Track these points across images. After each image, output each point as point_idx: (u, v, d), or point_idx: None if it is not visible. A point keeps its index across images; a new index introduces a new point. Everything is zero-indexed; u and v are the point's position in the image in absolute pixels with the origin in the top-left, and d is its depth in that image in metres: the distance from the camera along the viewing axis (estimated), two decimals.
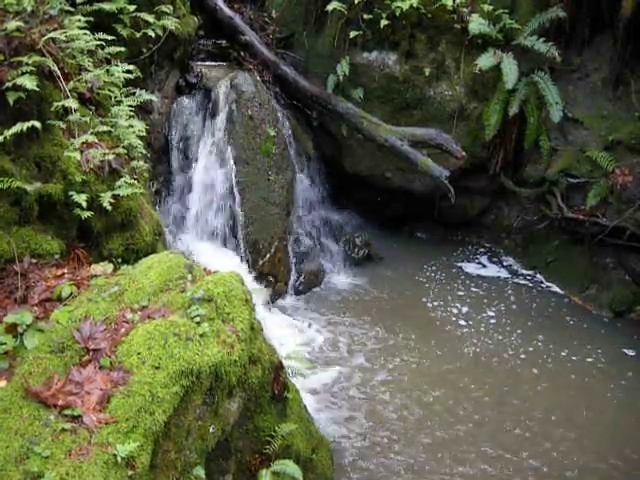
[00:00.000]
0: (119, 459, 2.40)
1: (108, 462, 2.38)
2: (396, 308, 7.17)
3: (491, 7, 7.35)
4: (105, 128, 3.96)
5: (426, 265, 8.15)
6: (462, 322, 6.93)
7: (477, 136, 7.88)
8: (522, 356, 6.38)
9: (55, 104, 3.60)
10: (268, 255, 7.12)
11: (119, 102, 4.48)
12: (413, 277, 7.87)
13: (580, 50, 7.73)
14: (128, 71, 4.56)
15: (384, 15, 7.31)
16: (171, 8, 6.19)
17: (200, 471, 2.85)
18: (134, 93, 4.69)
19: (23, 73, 3.34)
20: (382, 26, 7.28)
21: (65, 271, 3.29)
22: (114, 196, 3.74)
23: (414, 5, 7.16)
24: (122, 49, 4.81)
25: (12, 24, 3.44)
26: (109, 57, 4.69)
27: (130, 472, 2.42)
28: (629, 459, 5.10)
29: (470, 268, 8.17)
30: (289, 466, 3.47)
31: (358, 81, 7.80)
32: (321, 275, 7.66)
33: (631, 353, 6.53)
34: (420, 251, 8.53)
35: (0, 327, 2.84)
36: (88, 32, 4.14)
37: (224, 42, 8.22)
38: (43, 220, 3.49)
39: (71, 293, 3.09)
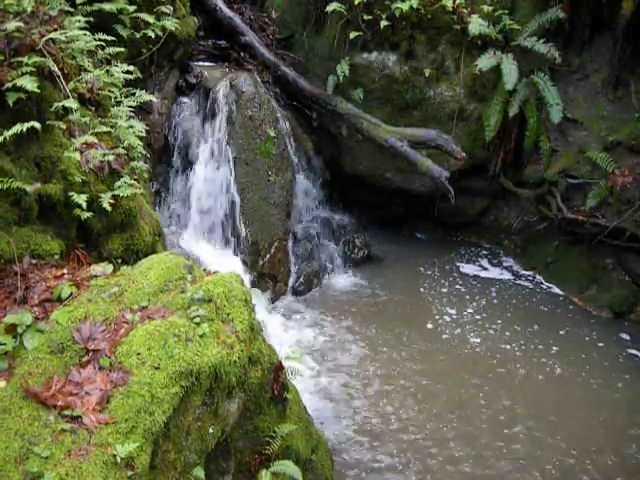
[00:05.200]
0: (119, 460, 2.40)
1: (107, 463, 2.38)
2: (396, 309, 7.17)
3: (491, 8, 7.36)
4: (105, 128, 3.95)
5: (425, 266, 8.15)
6: (461, 323, 6.94)
7: (477, 137, 7.88)
8: (521, 356, 6.38)
9: (55, 104, 3.59)
10: (268, 256, 7.12)
11: (119, 102, 4.47)
12: (412, 278, 7.87)
13: (580, 51, 7.74)
14: (128, 72, 4.55)
15: (384, 16, 7.31)
16: (171, 9, 6.20)
17: (200, 472, 2.84)
18: (134, 94, 4.69)
19: (23, 74, 3.33)
20: (382, 27, 7.29)
21: (65, 271, 3.29)
22: (114, 196, 3.74)
23: (414, 6, 7.15)
24: (122, 50, 4.80)
25: (12, 24, 3.43)
26: (109, 58, 4.69)
27: (129, 473, 2.42)
28: (627, 458, 5.11)
29: (469, 269, 8.18)
30: (289, 466, 3.46)
31: (358, 82, 7.80)
32: (321, 276, 7.66)
33: (631, 353, 6.54)
34: (420, 252, 8.53)
35: (0, 327, 2.84)
36: (88, 33, 4.14)
37: (224, 43, 8.23)
38: (43, 220, 3.49)
39: (71, 293, 3.09)
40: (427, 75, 7.58)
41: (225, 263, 6.51)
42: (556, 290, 7.73)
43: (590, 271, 7.55)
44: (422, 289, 7.62)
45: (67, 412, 2.50)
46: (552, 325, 6.98)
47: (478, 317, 7.07)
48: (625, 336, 6.83)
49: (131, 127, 4.27)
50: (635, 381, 6.07)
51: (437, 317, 7.02)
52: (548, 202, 7.89)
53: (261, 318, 3.73)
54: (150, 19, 5.76)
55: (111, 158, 3.84)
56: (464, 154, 7.31)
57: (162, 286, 3.11)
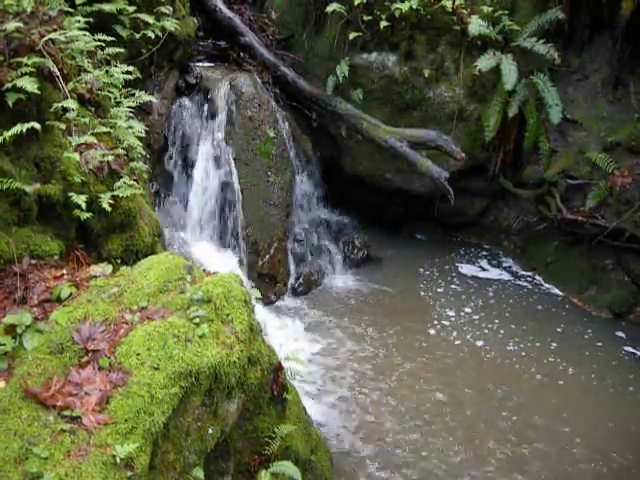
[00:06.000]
0: (118, 460, 2.40)
1: (107, 463, 2.38)
2: (394, 310, 7.17)
3: (490, 8, 7.35)
4: (104, 129, 3.95)
5: (425, 266, 8.15)
6: (460, 323, 6.94)
7: (476, 137, 7.88)
8: (522, 356, 6.38)
9: (55, 105, 3.59)
10: (267, 256, 7.12)
11: (118, 103, 4.48)
12: (412, 278, 7.87)
13: (579, 51, 7.74)
14: (127, 72, 4.55)
15: (384, 16, 7.31)
16: (171, 9, 6.19)
17: (199, 472, 2.84)
18: (133, 94, 4.69)
19: (23, 74, 3.34)
20: (382, 27, 7.28)
21: (64, 272, 3.29)
22: (113, 197, 3.74)
23: (414, 6, 7.15)
24: (122, 50, 4.80)
25: (12, 25, 3.43)
26: (109, 58, 4.69)
27: (129, 473, 2.42)
28: (626, 457, 5.11)
29: (469, 269, 8.18)
30: (288, 467, 3.47)
31: (358, 82, 7.80)
32: (320, 276, 7.65)
33: (630, 354, 6.54)
34: (419, 252, 8.53)
35: None
36: (88, 33, 4.14)
37: (224, 43, 8.23)
38: (42, 221, 3.49)
39: (70, 294, 3.09)
40: (427, 76, 7.58)
41: (224, 263, 6.51)
42: (555, 290, 7.73)
43: (590, 272, 7.55)
44: (422, 290, 7.62)
45: (66, 412, 2.50)
46: (552, 325, 6.98)
47: (477, 317, 7.07)
48: (622, 334, 6.84)
49: (130, 127, 4.27)
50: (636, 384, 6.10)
51: (438, 318, 7.02)
52: (548, 203, 7.89)
53: (260, 318, 3.73)
54: (150, 19, 5.76)
55: (110, 158, 3.84)
56: (464, 155, 7.31)
57: (162, 286, 3.12)
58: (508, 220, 8.67)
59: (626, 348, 6.63)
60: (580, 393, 5.94)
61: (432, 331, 6.76)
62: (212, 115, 7.09)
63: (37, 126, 3.28)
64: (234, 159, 7.02)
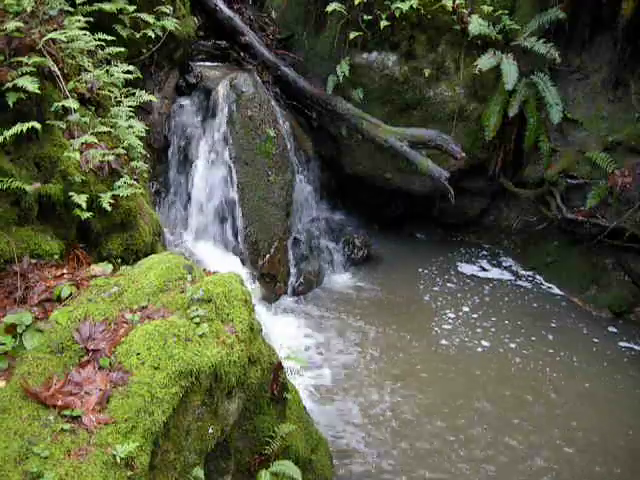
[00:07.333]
0: (118, 460, 2.40)
1: (107, 463, 2.38)
2: (395, 309, 7.17)
3: (491, 8, 7.36)
4: (105, 128, 3.95)
5: (425, 266, 8.15)
6: (461, 323, 6.94)
7: (477, 137, 7.88)
8: (522, 355, 6.39)
9: (55, 104, 3.59)
10: (268, 256, 7.12)
11: (119, 102, 4.47)
12: (412, 278, 7.87)
13: (580, 51, 7.75)
14: (128, 71, 4.55)
15: (384, 16, 7.32)
16: (171, 9, 6.19)
17: (199, 472, 2.84)
18: (134, 93, 4.69)
19: (23, 74, 3.34)
20: (382, 27, 7.29)
21: (64, 271, 3.29)
22: (114, 196, 3.74)
23: (414, 6, 7.16)
24: (122, 49, 4.80)
25: (12, 24, 3.43)
26: (109, 57, 4.69)
27: (129, 473, 2.42)
28: (627, 456, 5.11)
29: (469, 269, 8.18)
30: (288, 467, 3.46)
31: (358, 82, 7.81)
32: (320, 276, 7.66)
33: (630, 353, 6.55)
34: (419, 252, 8.54)
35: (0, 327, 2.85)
36: (88, 32, 4.14)
37: (224, 43, 8.23)
38: (42, 220, 3.49)
39: (70, 293, 3.09)
40: (427, 75, 7.59)
41: (225, 263, 6.51)
42: (556, 290, 7.73)
43: (590, 271, 7.55)
44: (422, 289, 7.62)
45: (67, 412, 2.50)
46: (551, 325, 6.98)
47: (476, 316, 7.07)
48: (624, 338, 6.84)
49: (131, 127, 4.27)
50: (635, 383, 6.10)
51: (438, 318, 7.02)
52: (548, 202, 7.90)
53: (260, 318, 3.73)
54: (150, 19, 5.75)
55: (111, 158, 3.84)
56: (464, 154, 7.32)
57: (162, 286, 3.11)
58: (508, 220, 8.68)
59: (625, 348, 6.63)
60: (572, 390, 5.93)
61: (432, 330, 6.77)
62: (212, 115, 7.09)
63: (37, 125, 3.28)
64: (234, 158, 7.02)
